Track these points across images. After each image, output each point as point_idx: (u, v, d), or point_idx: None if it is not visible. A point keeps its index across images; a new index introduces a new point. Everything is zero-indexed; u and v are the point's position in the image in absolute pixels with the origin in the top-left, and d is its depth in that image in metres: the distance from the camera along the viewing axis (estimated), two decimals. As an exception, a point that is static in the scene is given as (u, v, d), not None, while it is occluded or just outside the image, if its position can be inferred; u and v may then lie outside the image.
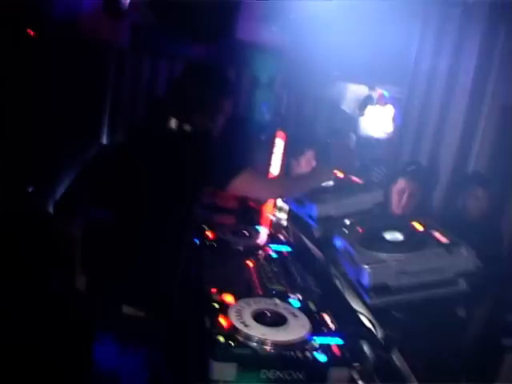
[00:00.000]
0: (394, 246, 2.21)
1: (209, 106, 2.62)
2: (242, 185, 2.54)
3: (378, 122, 8.62)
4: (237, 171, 2.51)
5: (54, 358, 3.63)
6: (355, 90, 8.01)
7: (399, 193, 4.15)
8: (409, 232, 2.35)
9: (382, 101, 8.40)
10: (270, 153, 3.78)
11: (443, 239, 2.27)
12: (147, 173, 2.54)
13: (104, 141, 10.08)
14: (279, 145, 3.71)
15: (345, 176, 3.17)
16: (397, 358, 2.33)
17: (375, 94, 7.94)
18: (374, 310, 2.59)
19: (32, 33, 5.07)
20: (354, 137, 8.66)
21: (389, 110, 8.41)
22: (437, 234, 2.34)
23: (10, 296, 4.11)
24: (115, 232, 2.67)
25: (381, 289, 2.11)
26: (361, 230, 2.52)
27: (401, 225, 2.50)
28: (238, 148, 2.75)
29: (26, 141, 5.43)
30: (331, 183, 3.03)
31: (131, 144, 2.80)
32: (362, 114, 8.24)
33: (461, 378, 2.93)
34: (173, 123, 2.54)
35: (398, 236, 2.33)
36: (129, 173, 2.64)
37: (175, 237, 2.57)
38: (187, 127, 2.55)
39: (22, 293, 4.23)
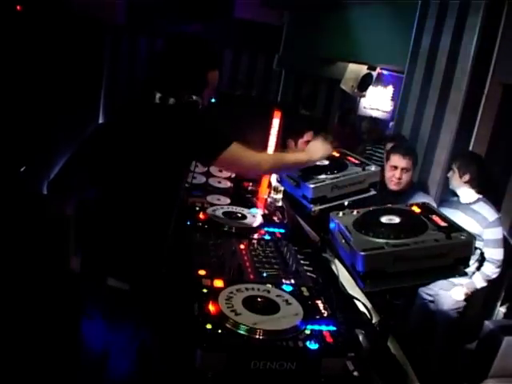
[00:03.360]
0: (391, 230, 2.13)
1: (192, 78, 2.58)
2: (228, 159, 2.53)
3: (377, 102, 8.54)
4: (223, 145, 2.49)
5: (43, 337, 3.62)
6: (354, 70, 7.92)
7: (391, 169, 4.13)
8: (406, 216, 2.27)
9: (382, 80, 8.31)
10: (267, 131, 3.69)
11: (442, 223, 2.19)
12: (133, 148, 2.52)
13: (100, 120, 10.01)
14: (275, 123, 3.61)
15: (341, 155, 3.09)
16: (392, 346, 2.26)
17: (375, 73, 7.85)
18: (369, 296, 2.52)
19: (19, 8, 4.96)
20: (353, 116, 8.61)
21: (388, 90, 8.33)
22: (435, 218, 2.26)
23: (3, 276, 4.07)
24: (104, 207, 2.66)
25: (377, 275, 2.03)
26: (356, 213, 2.44)
27: (398, 208, 2.43)
28: (226, 122, 2.68)
29: (19, 120, 5.35)
30: (326, 162, 2.95)
31: (118, 120, 2.76)
32: (362, 94, 8.16)
33: (457, 364, 2.89)
34: (157, 97, 2.52)
35: (395, 220, 2.24)
36: (116, 149, 2.61)
37: (161, 211, 2.55)
38: (171, 101, 2.53)
39: (16, 272, 4.20)
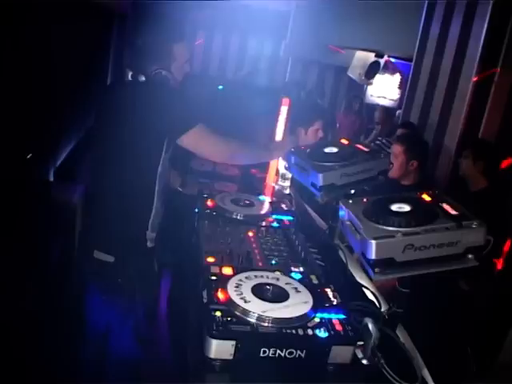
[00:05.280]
0: (401, 218, 2.11)
1: (155, 51, 2.59)
2: (191, 140, 2.58)
3: (384, 89, 8.50)
4: (187, 125, 2.54)
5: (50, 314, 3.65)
6: (362, 57, 7.88)
7: (393, 157, 4.11)
8: (417, 204, 2.25)
9: (389, 68, 8.27)
10: (275, 119, 3.67)
11: (453, 212, 2.17)
12: (115, 128, 2.60)
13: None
14: (283, 111, 3.59)
15: (349, 143, 3.07)
16: (401, 334, 2.25)
17: (382, 61, 7.81)
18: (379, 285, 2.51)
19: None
20: (358, 104, 8.56)
21: (396, 78, 8.29)
22: (446, 206, 2.24)
23: (9, 263, 4.08)
24: (94, 185, 2.84)
25: (386, 263, 2.02)
26: (366, 200, 2.42)
27: (408, 196, 2.41)
28: (201, 103, 2.72)
29: (26, 107, 5.33)
30: (336, 150, 2.93)
31: (104, 103, 2.86)
32: (369, 82, 8.11)
33: (466, 353, 2.87)
34: (129, 75, 2.59)
35: (405, 208, 2.22)
36: (104, 131, 2.72)
37: (140, 187, 2.63)
38: (141, 77, 2.57)
39: (22, 260, 4.20)
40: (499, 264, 3.98)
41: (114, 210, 2.63)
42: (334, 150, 2.93)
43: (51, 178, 6.17)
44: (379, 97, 8.56)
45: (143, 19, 2.71)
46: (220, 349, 1.80)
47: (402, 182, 4.24)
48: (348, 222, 2.32)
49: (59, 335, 3.42)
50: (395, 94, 8.31)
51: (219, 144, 2.72)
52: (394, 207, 2.22)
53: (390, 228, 2.07)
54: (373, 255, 2.00)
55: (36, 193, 4.97)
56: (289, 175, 3.63)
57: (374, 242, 2.00)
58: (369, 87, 8.67)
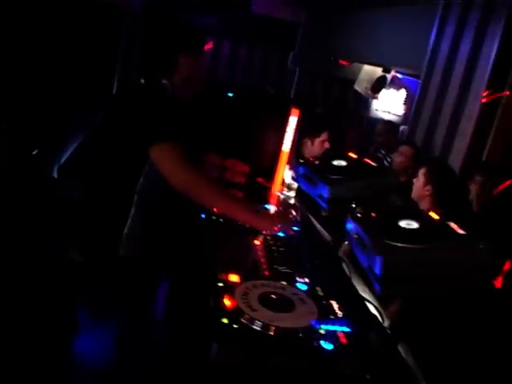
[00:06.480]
0: (409, 235, 2.13)
1: (159, 59, 2.55)
2: (158, 155, 2.43)
3: (389, 104, 8.51)
4: (161, 137, 2.40)
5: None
6: (369, 71, 7.91)
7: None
8: (424, 221, 2.27)
9: (396, 83, 8.29)
10: (283, 129, 3.68)
11: (460, 231, 2.20)
12: (108, 128, 2.65)
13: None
14: (292, 122, 3.60)
15: (357, 157, 3.10)
16: (403, 350, 2.26)
17: (389, 76, 7.83)
18: (380, 299, 2.52)
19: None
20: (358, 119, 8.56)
21: (401, 93, 8.31)
22: (453, 225, 2.26)
23: (13, 258, 4.09)
24: (84, 186, 2.83)
25: (393, 279, 2.04)
26: (374, 215, 2.44)
27: (416, 213, 2.43)
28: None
29: (33, 104, 5.36)
30: (344, 163, 2.95)
31: (113, 104, 2.92)
32: (375, 96, 8.14)
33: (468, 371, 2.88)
34: (134, 77, 2.59)
35: (413, 225, 2.25)
36: (102, 130, 2.74)
37: (118, 193, 2.59)
38: (142, 81, 2.54)
39: (25, 255, 4.21)
40: (498, 283, 3.99)
41: (90, 214, 2.63)
42: (343, 163, 2.95)
43: (55, 175, 6.19)
44: (384, 111, 8.58)
45: (152, 22, 2.69)
46: (226, 355, 1.81)
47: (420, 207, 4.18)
48: (355, 236, 2.35)
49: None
50: (400, 109, 8.32)
51: (187, 174, 2.48)
52: (403, 223, 2.25)
53: (398, 244, 2.10)
54: (380, 270, 2.02)
55: (39, 188, 4.99)
56: (295, 185, 3.64)
57: (381, 257, 2.02)
58: (374, 101, 8.69)
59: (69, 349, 2.77)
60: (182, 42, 2.55)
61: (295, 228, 3.11)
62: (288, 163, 3.28)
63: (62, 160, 6.35)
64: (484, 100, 4.51)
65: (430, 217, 2.36)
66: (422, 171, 3.82)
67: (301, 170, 3.03)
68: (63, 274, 3.96)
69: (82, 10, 6.46)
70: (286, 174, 3.69)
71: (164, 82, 2.52)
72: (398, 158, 4.50)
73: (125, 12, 8.77)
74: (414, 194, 3.86)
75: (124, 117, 2.51)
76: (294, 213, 3.32)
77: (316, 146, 3.82)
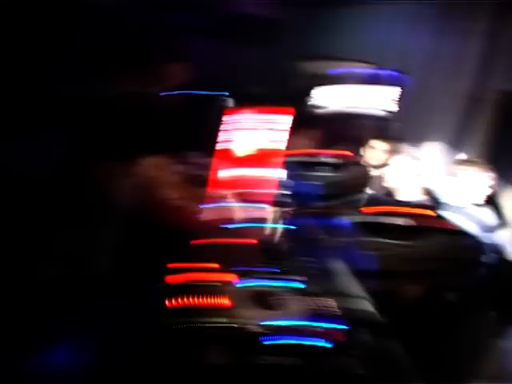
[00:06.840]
0: (399, 232, 2.16)
1: (141, 68, 2.55)
2: (142, 169, 2.46)
3: (380, 101, 8.53)
4: (142, 151, 2.44)
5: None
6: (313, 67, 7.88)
7: None
8: (415, 218, 2.30)
9: (387, 80, 8.30)
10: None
11: (450, 227, 2.23)
12: None
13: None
14: (286, 121, 3.61)
15: (345, 153, 3.12)
16: (397, 346, 2.29)
17: (380, 73, 7.83)
18: (375, 296, 2.55)
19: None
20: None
21: (392, 90, 8.32)
22: (442, 221, 2.29)
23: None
24: None
25: (385, 275, 2.07)
26: (366, 212, 2.47)
27: (405, 211, 2.45)
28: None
29: (31, 102, 5.35)
30: (330, 160, 2.97)
31: None
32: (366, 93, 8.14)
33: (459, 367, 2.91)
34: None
35: (401, 222, 2.28)
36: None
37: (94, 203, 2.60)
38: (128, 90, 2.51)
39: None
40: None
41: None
42: (331, 159, 2.97)
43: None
44: (375, 108, 8.58)
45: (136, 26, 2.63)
46: (219, 355, 1.84)
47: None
48: (348, 233, 2.38)
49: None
50: (386, 106, 8.32)
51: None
52: (391, 220, 2.28)
53: (388, 240, 2.13)
54: (372, 267, 2.05)
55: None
56: (290, 183, 3.66)
57: (370, 254, 2.05)
58: (364, 98, 8.70)
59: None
60: (171, 55, 2.68)
61: (288, 226, 3.13)
62: (281, 162, 3.29)
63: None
64: (477, 97, 4.53)
65: (421, 214, 2.39)
66: None
67: (289, 167, 3.04)
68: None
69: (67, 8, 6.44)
70: (280, 172, 3.71)
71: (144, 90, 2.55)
72: (372, 153, 4.46)
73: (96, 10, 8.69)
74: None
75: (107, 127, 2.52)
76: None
77: (305, 143, 3.82)
